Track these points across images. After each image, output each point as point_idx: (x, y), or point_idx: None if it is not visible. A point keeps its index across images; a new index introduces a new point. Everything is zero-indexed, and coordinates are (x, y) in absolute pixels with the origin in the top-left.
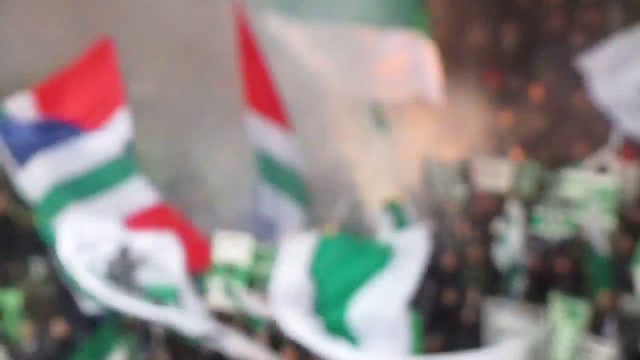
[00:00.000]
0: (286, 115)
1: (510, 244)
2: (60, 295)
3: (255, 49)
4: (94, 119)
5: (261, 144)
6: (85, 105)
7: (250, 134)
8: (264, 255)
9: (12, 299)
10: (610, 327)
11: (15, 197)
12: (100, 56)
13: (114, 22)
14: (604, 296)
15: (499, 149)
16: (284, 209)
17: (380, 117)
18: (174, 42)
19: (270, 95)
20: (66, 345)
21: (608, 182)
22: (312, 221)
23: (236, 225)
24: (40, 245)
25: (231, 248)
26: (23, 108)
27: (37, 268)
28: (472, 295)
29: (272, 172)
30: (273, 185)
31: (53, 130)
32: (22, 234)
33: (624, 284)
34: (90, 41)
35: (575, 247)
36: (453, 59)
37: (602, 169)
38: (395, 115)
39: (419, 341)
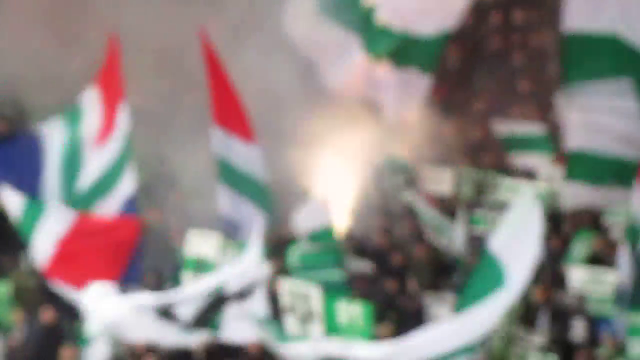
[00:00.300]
0: (249, 129)
1: (453, 242)
2: (48, 285)
3: (220, 69)
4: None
5: (223, 153)
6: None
7: (214, 144)
8: (231, 249)
9: (3, 288)
10: (542, 319)
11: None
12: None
13: (98, 39)
14: (537, 291)
15: (444, 156)
16: (246, 212)
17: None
18: (152, 58)
19: (235, 110)
20: (53, 331)
21: (539, 186)
22: (275, 222)
23: (206, 224)
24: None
25: (201, 244)
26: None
27: (26, 261)
28: (414, 288)
29: (234, 178)
30: (234, 190)
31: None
32: (13, 230)
33: (557, 280)
34: (75, 54)
35: None
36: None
37: (531, 175)
38: (350, 123)
39: (371, 329)
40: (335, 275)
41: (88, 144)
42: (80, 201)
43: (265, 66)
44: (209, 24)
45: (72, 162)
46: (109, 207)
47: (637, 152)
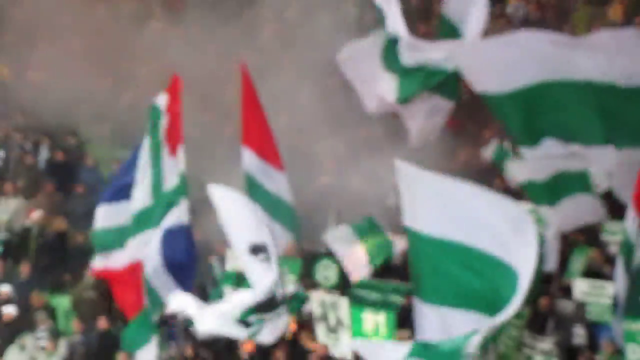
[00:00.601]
0: (278, 157)
1: None
2: (103, 297)
3: (254, 99)
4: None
5: (252, 172)
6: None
7: (244, 164)
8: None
9: (65, 301)
10: (548, 326)
11: (71, 221)
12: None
13: (146, 76)
14: (543, 299)
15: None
16: (272, 230)
17: None
18: (194, 92)
19: (266, 138)
20: (108, 337)
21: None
22: (303, 239)
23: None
24: (88, 258)
25: (238, 260)
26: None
27: (86, 276)
28: None
29: (261, 198)
30: (261, 209)
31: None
32: (74, 249)
33: (562, 290)
34: (126, 90)
35: None
36: None
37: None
38: (373, 149)
39: (393, 334)
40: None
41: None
42: (164, 204)
43: (295, 92)
44: (244, 57)
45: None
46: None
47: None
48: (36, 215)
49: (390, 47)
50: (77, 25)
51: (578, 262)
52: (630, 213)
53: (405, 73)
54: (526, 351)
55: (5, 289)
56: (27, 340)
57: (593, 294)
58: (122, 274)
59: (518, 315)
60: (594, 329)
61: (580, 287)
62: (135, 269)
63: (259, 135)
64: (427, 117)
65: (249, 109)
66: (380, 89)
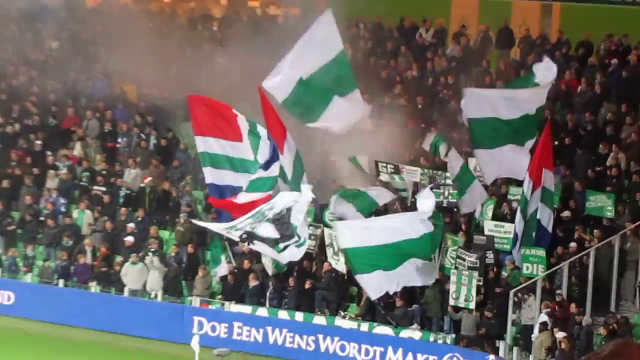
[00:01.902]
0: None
1: None
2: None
3: (272, 110)
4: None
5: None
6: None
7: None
8: None
9: (167, 233)
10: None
11: (171, 183)
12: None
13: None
14: (460, 233)
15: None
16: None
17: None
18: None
19: (279, 133)
20: (194, 257)
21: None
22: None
23: None
24: (180, 206)
25: None
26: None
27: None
28: None
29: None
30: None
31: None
32: (172, 201)
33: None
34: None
35: None
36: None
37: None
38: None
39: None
40: None
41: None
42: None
43: None
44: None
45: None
46: None
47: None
48: (148, 180)
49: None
50: (166, 56)
51: (488, 209)
52: (526, 180)
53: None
54: (460, 262)
55: (131, 224)
56: (144, 258)
57: (497, 231)
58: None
59: (455, 241)
60: (502, 253)
61: (488, 225)
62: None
63: (276, 132)
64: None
65: (270, 119)
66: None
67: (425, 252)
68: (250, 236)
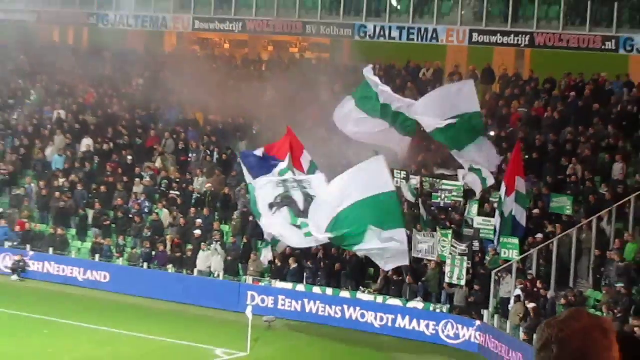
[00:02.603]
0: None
1: None
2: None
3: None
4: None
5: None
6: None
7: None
8: None
9: (227, 227)
10: (463, 238)
11: (230, 188)
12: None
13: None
14: (455, 228)
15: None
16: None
17: None
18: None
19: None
20: (248, 245)
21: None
22: None
23: None
24: (235, 207)
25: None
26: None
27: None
28: None
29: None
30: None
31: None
32: (232, 203)
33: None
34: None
35: None
36: None
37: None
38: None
39: None
40: None
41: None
42: None
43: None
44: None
45: None
46: None
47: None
48: (210, 186)
49: (372, 103)
50: (226, 90)
51: (473, 208)
52: (503, 186)
53: (395, 117)
54: (453, 249)
55: (199, 220)
56: (209, 246)
57: (483, 224)
58: None
59: (445, 234)
60: (486, 242)
61: (477, 220)
62: None
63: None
64: (398, 144)
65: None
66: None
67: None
68: (284, 199)
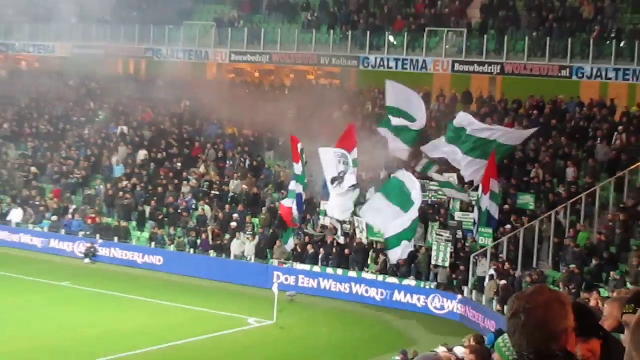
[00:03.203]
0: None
1: None
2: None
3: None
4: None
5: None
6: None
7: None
8: None
9: (257, 220)
10: (449, 227)
11: (258, 188)
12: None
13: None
14: (438, 221)
15: None
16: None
17: None
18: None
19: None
20: (274, 235)
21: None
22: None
23: None
24: (265, 203)
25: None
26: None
27: (264, 213)
28: None
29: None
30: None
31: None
32: (261, 200)
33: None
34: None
35: None
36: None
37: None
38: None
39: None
40: None
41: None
42: None
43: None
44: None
45: None
46: None
47: None
48: (243, 187)
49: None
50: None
51: (456, 204)
52: (480, 187)
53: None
54: (439, 237)
55: (235, 215)
56: (240, 236)
57: (464, 218)
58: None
59: (433, 226)
60: (466, 231)
61: (459, 214)
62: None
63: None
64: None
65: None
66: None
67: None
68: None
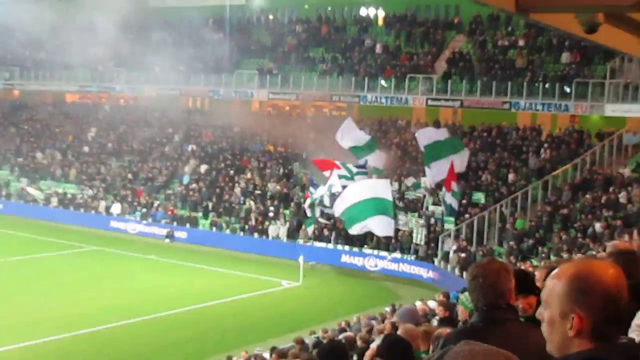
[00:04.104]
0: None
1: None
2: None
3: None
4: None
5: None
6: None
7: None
8: None
9: (287, 212)
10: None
11: (288, 189)
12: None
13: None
14: (422, 209)
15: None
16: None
17: None
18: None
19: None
20: (300, 222)
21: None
22: None
23: None
24: (291, 200)
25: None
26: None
27: (292, 206)
28: None
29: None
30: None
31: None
32: (290, 197)
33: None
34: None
35: None
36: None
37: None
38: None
39: None
40: None
41: None
42: None
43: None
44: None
45: None
46: None
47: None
48: (278, 187)
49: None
50: (287, 132)
51: (429, 199)
52: (444, 187)
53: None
54: (416, 223)
55: (271, 207)
56: (277, 221)
57: (435, 209)
58: None
59: (413, 215)
60: (437, 219)
61: (431, 207)
62: None
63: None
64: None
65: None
66: None
67: (390, 212)
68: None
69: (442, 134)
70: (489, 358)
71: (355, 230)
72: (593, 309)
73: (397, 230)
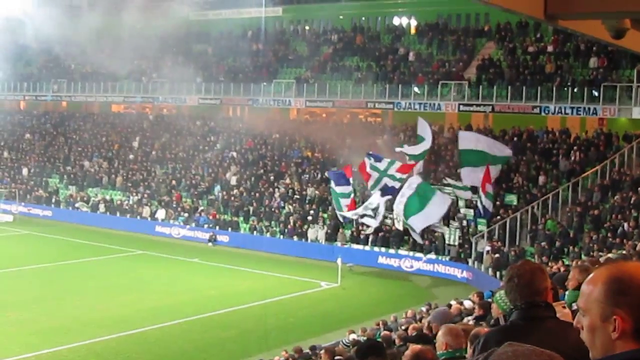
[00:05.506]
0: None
1: None
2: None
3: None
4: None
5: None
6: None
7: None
8: None
9: (326, 214)
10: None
11: (327, 192)
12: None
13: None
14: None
15: None
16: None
17: None
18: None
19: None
20: (338, 225)
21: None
22: None
23: None
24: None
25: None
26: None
27: (330, 210)
28: None
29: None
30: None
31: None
32: (328, 202)
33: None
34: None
35: None
36: None
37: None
38: None
39: None
40: None
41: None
42: None
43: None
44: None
45: None
46: None
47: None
48: (316, 192)
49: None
50: (323, 138)
51: (462, 202)
52: (479, 189)
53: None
54: (451, 225)
55: (311, 211)
56: (315, 225)
57: (468, 211)
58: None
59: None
60: (469, 220)
61: (464, 210)
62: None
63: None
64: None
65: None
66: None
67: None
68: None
69: (484, 144)
70: (533, 359)
71: (418, 223)
72: (633, 308)
73: (432, 232)
